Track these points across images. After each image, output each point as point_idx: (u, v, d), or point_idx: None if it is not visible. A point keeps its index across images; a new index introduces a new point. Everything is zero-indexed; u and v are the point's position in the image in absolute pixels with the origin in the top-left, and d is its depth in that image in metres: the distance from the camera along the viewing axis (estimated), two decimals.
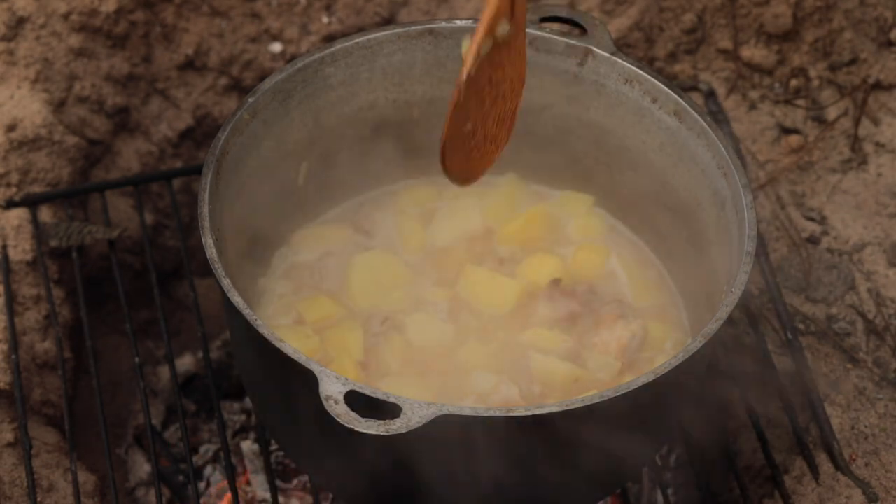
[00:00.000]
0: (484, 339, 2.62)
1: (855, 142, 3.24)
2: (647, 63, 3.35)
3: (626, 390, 2.24)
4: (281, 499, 2.94)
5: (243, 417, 3.11)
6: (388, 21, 3.41)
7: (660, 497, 3.01)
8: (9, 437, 2.77)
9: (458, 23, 2.73)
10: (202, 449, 3.09)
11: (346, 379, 2.18)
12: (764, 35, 3.34)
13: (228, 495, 2.93)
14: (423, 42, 2.74)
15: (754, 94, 3.32)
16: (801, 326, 2.97)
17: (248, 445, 3.06)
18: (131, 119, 3.31)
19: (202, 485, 3.03)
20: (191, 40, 3.35)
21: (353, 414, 2.15)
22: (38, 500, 2.70)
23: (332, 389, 2.18)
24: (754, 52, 3.34)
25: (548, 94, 2.77)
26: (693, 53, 3.36)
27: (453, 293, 2.69)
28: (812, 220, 3.13)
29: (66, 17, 3.21)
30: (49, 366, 2.95)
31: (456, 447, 2.30)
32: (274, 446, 2.97)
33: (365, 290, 2.67)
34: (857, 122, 3.25)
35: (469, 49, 2.31)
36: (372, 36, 2.71)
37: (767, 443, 2.75)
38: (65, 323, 3.01)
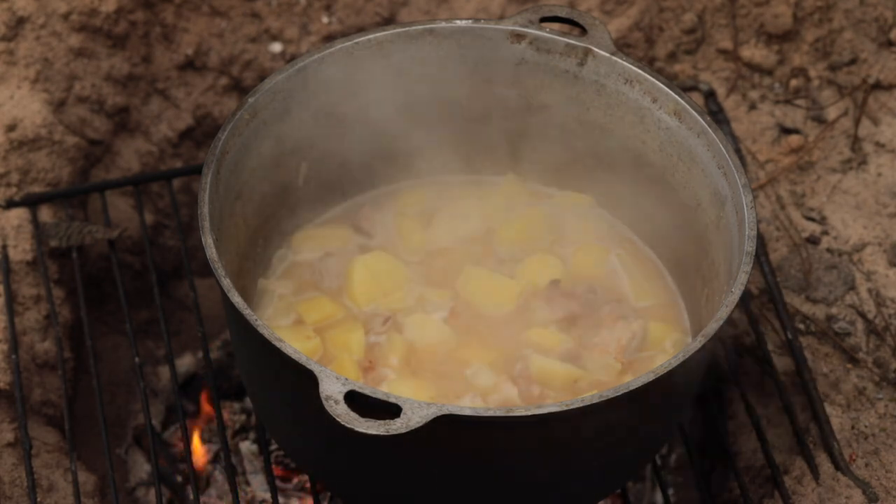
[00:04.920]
0: (484, 339, 2.63)
1: (855, 142, 3.23)
2: (647, 63, 3.35)
3: (626, 390, 2.24)
4: (281, 499, 2.94)
5: (243, 417, 3.11)
6: (388, 21, 3.41)
7: (660, 497, 3.01)
8: (9, 437, 2.77)
9: (458, 23, 2.73)
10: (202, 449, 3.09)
11: (346, 379, 2.18)
12: (764, 35, 3.34)
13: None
14: (423, 42, 2.74)
15: (754, 94, 3.32)
16: (801, 326, 2.97)
17: (247, 446, 3.06)
18: (131, 119, 3.31)
19: (202, 485, 3.03)
20: (191, 40, 3.35)
21: (353, 414, 2.15)
22: (38, 500, 2.70)
23: (332, 389, 2.18)
24: (754, 52, 3.34)
25: (548, 94, 2.77)
26: (693, 53, 3.37)
27: (453, 294, 2.69)
28: (812, 220, 3.13)
29: (66, 17, 3.21)
30: (49, 366, 2.95)
31: (456, 447, 2.30)
32: (274, 446, 2.97)
33: (365, 291, 2.67)
34: (857, 122, 3.25)
35: None
36: (372, 36, 2.71)
37: (767, 443, 2.75)
38: (65, 323, 3.01)
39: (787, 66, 3.35)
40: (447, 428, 2.19)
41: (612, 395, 2.24)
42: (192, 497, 2.89)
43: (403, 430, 2.14)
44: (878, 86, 3.31)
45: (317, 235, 2.80)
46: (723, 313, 2.35)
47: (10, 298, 2.91)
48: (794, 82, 3.33)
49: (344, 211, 2.86)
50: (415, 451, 2.32)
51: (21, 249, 3.00)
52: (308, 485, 2.96)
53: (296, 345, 2.31)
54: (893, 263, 3.04)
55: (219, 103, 3.39)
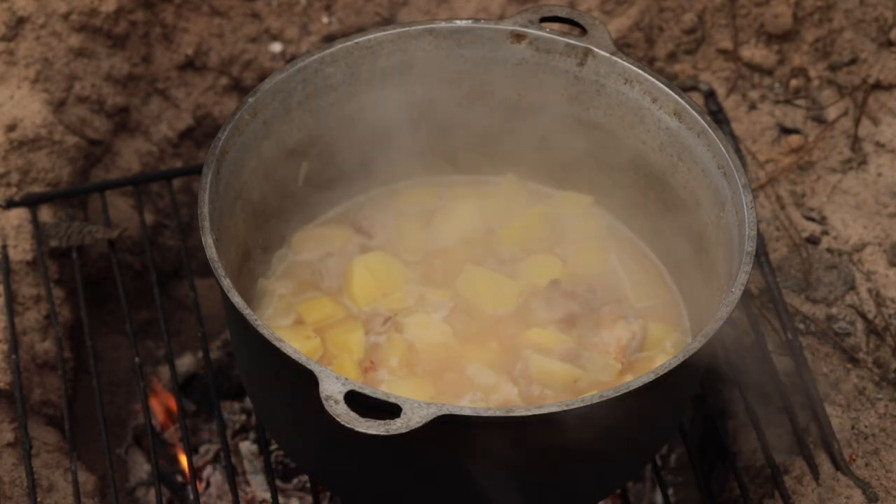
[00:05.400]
0: (484, 339, 2.62)
1: (855, 142, 3.24)
2: (647, 63, 3.35)
3: (626, 390, 2.24)
4: (281, 499, 2.94)
5: (243, 417, 3.11)
6: (388, 21, 3.41)
7: (660, 497, 3.01)
8: (9, 437, 2.77)
9: (458, 23, 2.73)
10: (202, 449, 3.09)
11: (346, 379, 2.18)
12: (764, 35, 3.34)
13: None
14: (423, 42, 2.74)
15: (754, 94, 3.32)
16: (801, 326, 2.97)
17: (247, 446, 3.06)
18: (131, 119, 3.31)
19: (202, 485, 3.03)
20: (191, 40, 3.35)
21: (353, 414, 2.15)
22: (38, 500, 2.70)
23: (332, 389, 2.18)
24: (754, 52, 3.34)
25: (548, 94, 2.77)
26: (693, 53, 3.36)
27: (453, 294, 2.69)
28: (812, 220, 3.13)
29: (66, 17, 3.21)
30: (49, 366, 2.95)
31: (455, 447, 2.30)
32: (274, 446, 2.97)
33: (365, 291, 2.67)
34: (857, 122, 3.25)
35: None
36: (372, 36, 2.71)
37: (767, 443, 2.75)
38: (65, 323, 3.01)
39: (787, 66, 3.35)
40: (447, 428, 2.19)
41: (612, 395, 2.24)
42: (192, 497, 2.89)
43: (403, 430, 2.14)
44: (878, 86, 3.31)
45: (317, 235, 2.80)
46: (723, 313, 2.35)
47: (10, 298, 2.91)
48: (794, 82, 3.33)
49: (344, 211, 2.86)
50: (415, 451, 2.32)
51: (21, 249, 3.00)
52: (308, 485, 2.97)
53: (296, 345, 2.31)
54: (893, 263, 3.04)
55: (219, 103, 3.39)
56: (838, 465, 2.71)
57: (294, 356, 2.24)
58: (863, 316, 2.97)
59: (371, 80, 2.74)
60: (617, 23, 3.35)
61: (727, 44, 3.34)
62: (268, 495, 2.97)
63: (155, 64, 3.33)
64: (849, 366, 2.91)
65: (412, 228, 2.80)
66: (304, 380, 2.21)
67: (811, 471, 2.70)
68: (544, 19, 2.74)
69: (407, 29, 2.73)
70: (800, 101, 3.32)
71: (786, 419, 2.83)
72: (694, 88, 3.29)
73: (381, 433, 2.13)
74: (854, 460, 2.72)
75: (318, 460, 2.54)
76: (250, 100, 2.60)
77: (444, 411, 2.17)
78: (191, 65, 3.37)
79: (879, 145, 3.23)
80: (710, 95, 3.28)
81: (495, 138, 2.85)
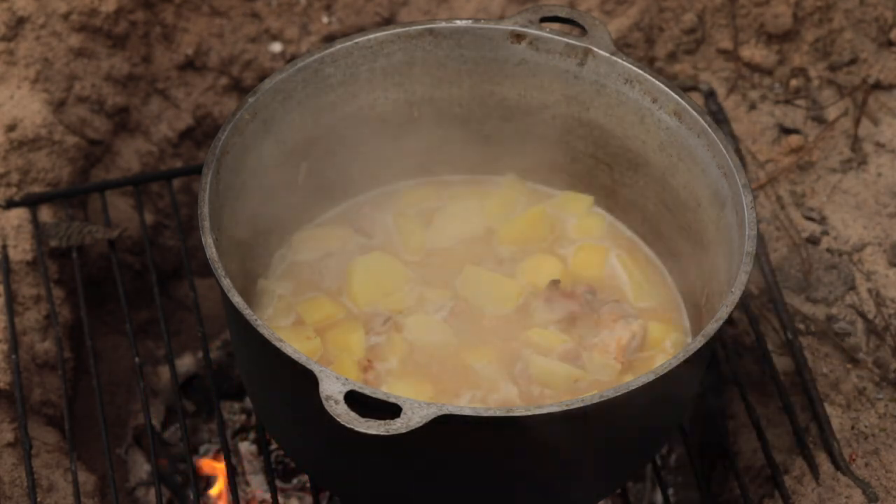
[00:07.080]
0: (484, 339, 2.63)
1: (855, 142, 3.24)
2: (647, 63, 3.35)
3: (626, 390, 2.24)
4: (281, 499, 2.94)
5: (243, 417, 3.11)
6: (388, 21, 3.41)
7: (660, 497, 3.01)
8: (9, 437, 2.78)
9: (458, 23, 2.73)
10: (202, 449, 3.09)
11: (346, 379, 2.18)
12: (764, 35, 3.34)
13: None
14: (423, 42, 2.74)
15: (754, 94, 3.32)
16: (801, 326, 2.97)
17: (247, 446, 3.06)
18: (131, 119, 3.31)
19: (202, 485, 3.03)
20: (191, 40, 3.35)
21: (353, 414, 2.15)
22: (38, 500, 2.70)
23: (332, 389, 2.18)
24: (754, 52, 3.34)
25: (548, 94, 2.77)
26: (693, 53, 3.37)
27: (453, 294, 2.69)
28: (812, 220, 3.13)
29: (66, 17, 3.21)
30: (49, 366, 2.95)
31: (455, 447, 2.30)
32: (274, 446, 2.97)
33: (365, 291, 2.67)
34: (857, 122, 3.25)
35: None
36: (372, 36, 2.71)
37: (767, 443, 2.75)
38: (65, 323, 3.01)
39: (787, 66, 3.35)
40: (447, 428, 2.19)
41: (612, 395, 2.24)
42: (192, 497, 2.89)
43: (403, 430, 2.14)
44: (878, 86, 3.31)
45: (317, 235, 2.80)
46: (723, 313, 2.35)
47: (10, 298, 2.91)
48: (794, 82, 3.33)
49: (344, 211, 2.86)
50: (415, 451, 2.32)
51: (21, 249, 3.00)
52: (308, 485, 2.97)
53: (296, 345, 2.31)
54: (893, 263, 3.04)
55: (219, 103, 3.39)
56: (838, 465, 2.71)
57: (294, 356, 2.24)
58: (863, 316, 2.97)
59: (371, 80, 2.74)
60: (617, 23, 3.35)
61: (727, 44, 3.34)
62: (268, 495, 2.97)
63: (155, 64, 3.33)
64: (849, 366, 2.91)
65: (412, 228, 2.80)
66: (304, 380, 2.21)
67: (811, 471, 2.70)
68: (544, 19, 2.74)
69: (407, 29, 2.73)
70: (800, 101, 3.32)
71: (786, 419, 2.83)
72: (694, 88, 3.29)
73: (381, 433, 2.13)
74: (854, 460, 2.72)
75: (318, 460, 2.54)
76: (250, 100, 2.60)
77: (444, 411, 2.17)
78: (191, 65, 3.37)
79: (879, 145, 3.23)
80: (710, 95, 3.28)
81: (495, 138, 2.85)
